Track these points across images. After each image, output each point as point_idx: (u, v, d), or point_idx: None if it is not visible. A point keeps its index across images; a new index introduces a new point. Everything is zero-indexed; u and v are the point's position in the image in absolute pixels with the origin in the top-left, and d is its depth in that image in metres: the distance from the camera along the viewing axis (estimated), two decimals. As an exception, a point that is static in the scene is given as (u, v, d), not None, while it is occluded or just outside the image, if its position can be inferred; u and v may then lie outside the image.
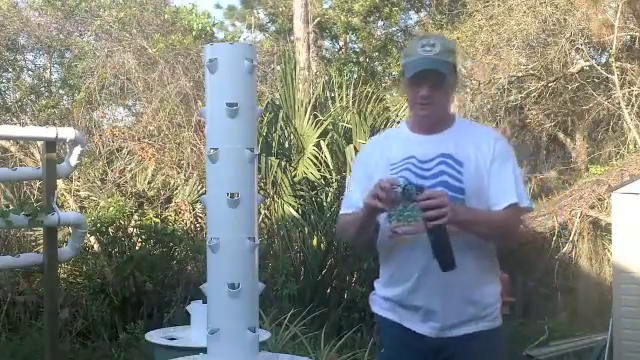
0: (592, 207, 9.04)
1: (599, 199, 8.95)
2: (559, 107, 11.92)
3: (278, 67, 10.12)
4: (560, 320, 8.43)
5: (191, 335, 3.96)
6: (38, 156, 7.30)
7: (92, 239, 6.85)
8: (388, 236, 2.50)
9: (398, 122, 7.38)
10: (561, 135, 12.52)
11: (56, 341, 4.86)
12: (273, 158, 7.71)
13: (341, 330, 6.17)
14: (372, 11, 15.55)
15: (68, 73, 11.10)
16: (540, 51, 11.27)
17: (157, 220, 7.08)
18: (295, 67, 8.66)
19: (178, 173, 8.42)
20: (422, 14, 16.76)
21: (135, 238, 7.03)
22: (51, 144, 4.78)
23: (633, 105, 10.19)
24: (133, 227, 7.03)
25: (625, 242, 6.31)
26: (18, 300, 6.51)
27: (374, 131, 7.40)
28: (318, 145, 7.77)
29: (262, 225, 7.43)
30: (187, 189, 7.80)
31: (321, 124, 7.93)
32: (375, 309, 2.65)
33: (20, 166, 7.30)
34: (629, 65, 10.66)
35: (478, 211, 2.43)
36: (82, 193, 7.69)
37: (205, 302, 3.21)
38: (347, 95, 8.53)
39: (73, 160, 4.93)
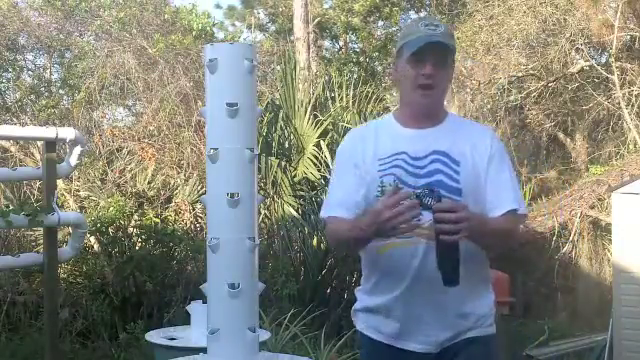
0: (592, 207, 9.05)
1: (599, 199, 8.95)
2: (559, 107, 11.92)
3: (278, 67, 10.13)
4: (560, 320, 8.43)
5: (191, 335, 3.96)
6: (38, 156, 7.30)
7: (92, 239, 6.85)
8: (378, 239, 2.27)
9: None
10: (561, 135, 12.52)
11: (56, 341, 4.86)
12: (273, 158, 7.71)
13: (341, 330, 6.16)
14: (372, 11, 15.55)
15: (68, 73, 11.09)
16: (540, 51, 11.27)
17: (157, 220, 7.08)
18: (295, 67, 8.67)
19: (178, 173, 8.42)
20: (422, 14, 16.76)
21: (135, 238, 7.03)
22: (51, 144, 4.78)
23: (633, 105, 10.19)
24: (133, 227, 7.03)
25: (625, 242, 6.30)
26: (18, 300, 6.51)
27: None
28: (318, 145, 7.77)
29: (262, 225, 7.43)
30: (187, 189, 7.81)
31: (321, 124, 7.94)
32: (358, 326, 2.44)
33: (20, 166, 7.30)
34: (629, 65, 10.66)
35: (490, 220, 2.25)
36: (82, 193, 7.69)
37: (205, 302, 3.20)
38: (347, 95, 8.53)
39: (73, 160, 4.93)
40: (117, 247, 6.89)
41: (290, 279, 6.75)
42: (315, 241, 7.15)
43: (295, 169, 7.82)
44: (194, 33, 11.83)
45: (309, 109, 8.11)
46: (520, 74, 11.62)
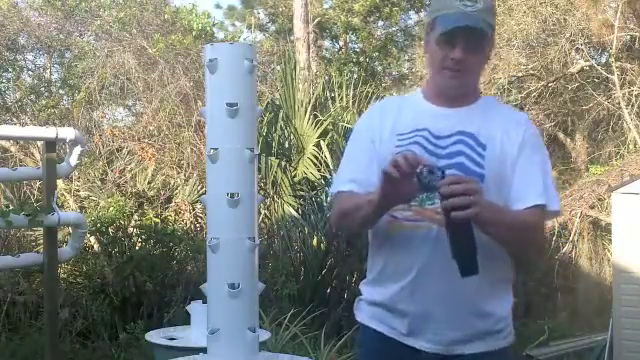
0: (592, 207, 9.05)
1: (599, 199, 8.95)
2: (559, 107, 11.91)
3: (278, 67, 10.12)
4: (560, 320, 8.42)
5: (191, 335, 3.96)
6: (38, 156, 7.30)
7: (92, 239, 6.85)
8: (386, 221, 2.04)
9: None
10: (561, 135, 12.52)
11: (56, 341, 4.86)
12: (273, 158, 7.71)
13: (341, 330, 6.16)
14: (372, 11, 15.55)
15: (68, 73, 11.09)
16: (540, 51, 11.27)
17: (157, 220, 7.08)
18: (295, 67, 8.67)
19: (178, 173, 8.42)
20: (422, 14, 16.75)
21: (135, 238, 7.02)
22: (51, 144, 4.78)
23: (633, 105, 10.19)
24: (133, 227, 7.02)
25: (625, 242, 6.30)
26: (18, 300, 6.51)
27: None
28: (318, 145, 7.77)
29: (262, 225, 7.42)
30: (187, 189, 7.80)
31: (321, 124, 7.94)
32: (360, 317, 2.20)
33: (20, 166, 7.30)
34: (629, 65, 10.67)
35: (504, 209, 2.00)
36: (82, 193, 7.69)
37: (205, 302, 3.21)
38: (347, 95, 8.53)
39: (73, 160, 4.93)
40: (117, 247, 6.89)
41: (290, 279, 6.75)
42: (315, 241, 7.15)
43: (295, 169, 7.82)
44: (194, 33, 11.84)
45: (309, 109, 8.12)
46: (520, 74, 11.61)
